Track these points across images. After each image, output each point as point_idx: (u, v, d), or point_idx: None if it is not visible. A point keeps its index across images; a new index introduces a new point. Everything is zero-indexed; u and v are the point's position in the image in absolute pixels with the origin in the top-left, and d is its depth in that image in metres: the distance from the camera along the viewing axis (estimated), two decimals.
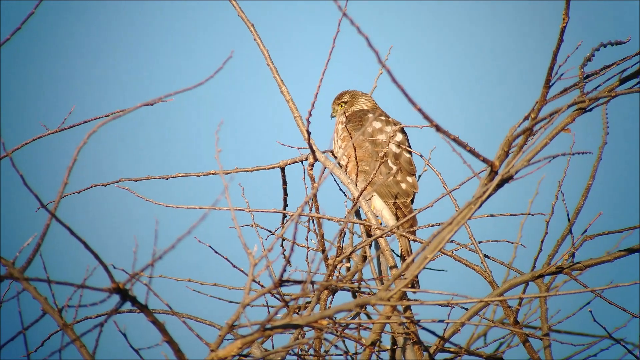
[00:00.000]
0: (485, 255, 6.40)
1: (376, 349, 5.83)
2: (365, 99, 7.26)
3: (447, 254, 6.33)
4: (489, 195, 4.53)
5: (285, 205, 6.77)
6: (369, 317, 6.70)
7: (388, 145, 6.89)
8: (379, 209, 6.94)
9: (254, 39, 6.75)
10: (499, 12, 11.53)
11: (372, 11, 11.39)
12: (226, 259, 6.39)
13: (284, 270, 4.49)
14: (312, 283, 4.53)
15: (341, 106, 7.26)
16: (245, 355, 5.56)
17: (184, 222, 6.10)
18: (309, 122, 6.02)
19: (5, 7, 7.69)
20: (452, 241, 6.34)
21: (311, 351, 5.84)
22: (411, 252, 6.77)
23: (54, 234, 4.59)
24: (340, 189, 6.84)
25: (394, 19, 11.64)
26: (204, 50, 11.28)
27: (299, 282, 4.52)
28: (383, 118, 7.11)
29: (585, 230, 5.95)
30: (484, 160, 4.56)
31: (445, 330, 6.12)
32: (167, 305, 5.11)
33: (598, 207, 5.97)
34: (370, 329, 5.76)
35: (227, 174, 6.63)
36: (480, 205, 4.56)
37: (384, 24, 11.48)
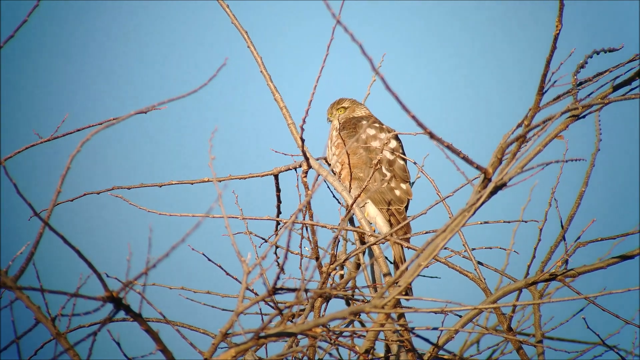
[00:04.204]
0: (479, 262, 6.40)
1: (370, 356, 5.83)
2: (364, 108, 7.28)
3: (440, 261, 6.33)
4: (483, 203, 4.53)
5: (279, 212, 6.76)
6: (362, 324, 6.70)
7: (382, 152, 6.89)
8: (373, 216, 6.94)
9: (248, 46, 6.75)
10: (492, 19, 11.54)
11: (366, 16, 11.40)
12: (219, 266, 6.38)
13: (278, 278, 4.48)
14: (306, 291, 4.52)
15: (340, 111, 7.25)
16: None
17: (178, 230, 6.11)
18: (302, 130, 6.02)
19: (4, 7, 7.68)
20: (445, 248, 6.34)
21: (305, 359, 5.84)
22: (405, 260, 6.76)
23: (47, 243, 4.58)
24: (334, 196, 6.84)
25: (387, 25, 11.65)
26: (197, 57, 11.27)
27: (293, 290, 4.52)
28: (377, 125, 7.11)
29: (579, 237, 5.95)
30: (478, 168, 4.56)
31: (439, 337, 6.12)
32: (161, 314, 5.10)
33: (591, 214, 5.98)
34: (364, 336, 5.76)
35: (220, 181, 6.63)
36: (473, 213, 4.56)
37: (377, 30, 11.48)
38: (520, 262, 6.71)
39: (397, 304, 5.56)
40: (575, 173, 6.00)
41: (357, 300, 6.15)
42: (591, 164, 5.83)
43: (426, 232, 6.56)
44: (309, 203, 6.19)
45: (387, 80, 4.25)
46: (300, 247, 6.25)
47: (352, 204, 6.27)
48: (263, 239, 6.56)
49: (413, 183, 7.04)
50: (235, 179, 6.67)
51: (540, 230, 6.22)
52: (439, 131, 4.44)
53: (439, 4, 11.57)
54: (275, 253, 6.64)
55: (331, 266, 5.99)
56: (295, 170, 6.66)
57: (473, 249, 6.44)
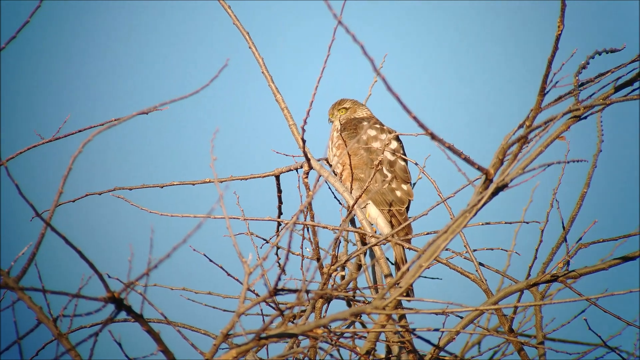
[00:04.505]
0: (480, 264, 6.40)
1: (371, 357, 5.82)
2: (365, 109, 7.28)
3: (442, 262, 6.32)
4: (484, 204, 4.53)
5: (280, 213, 6.76)
6: (363, 325, 6.70)
7: (383, 153, 6.89)
8: (374, 217, 6.94)
9: (249, 47, 6.75)
10: (494, 20, 11.54)
11: (368, 16, 11.40)
12: (221, 267, 6.38)
13: (279, 278, 4.48)
14: (307, 292, 4.52)
15: (342, 112, 7.24)
16: None
17: (179, 231, 6.10)
18: (303, 131, 6.02)
19: (4, 7, 7.68)
20: (447, 249, 6.34)
21: None
22: (406, 261, 6.76)
23: (49, 243, 4.58)
24: (335, 197, 6.84)
25: (389, 26, 11.65)
26: (199, 58, 11.28)
27: (294, 291, 4.52)
28: (378, 126, 7.11)
29: (580, 238, 5.95)
30: (479, 168, 4.56)
31: (440, 338, 6.12)
32: (162, 315, 5.10)
33: (593, 215, 5.98)
34: (365, 337, 5.76)
35: (222, 182, 6.63)
36: (475, 214, 4.55)
37: (379, 31, 11.49)
38: (522, 263, 6.71)
39: (398, 305, 5.56)
40: (577, 174, 5.99)
41: (358, 301, 6.15)
42: (593, 165, 5.83)
43: (427, 233, 6.56)
44: (310, 204, 6.19)
45: (388, 81, 4.25)
46: (302, 248, 6.25)
47: (353, 205, 6.27)
48: (264, 239, 6.56)
49: (414, 184, 7.04)
50: (237, 179, 6.67)
51: (542, 231, 6.22)
52: (440, 132, 4.44)
53: (440, 4, 11.58)
54: (277, 254, 6.64)
55: (332, 267, 5.99)
56: (297, 171, 6.66)
57: (474, 250, 6.44)
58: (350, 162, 6.91)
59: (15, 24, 4.96)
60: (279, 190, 6.76)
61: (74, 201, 6.50)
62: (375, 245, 6.24)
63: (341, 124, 7.16)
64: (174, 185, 6.60)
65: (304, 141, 6.23)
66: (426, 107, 10.44)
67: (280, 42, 11.38)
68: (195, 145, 10.12)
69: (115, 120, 4.72)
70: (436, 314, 4.70)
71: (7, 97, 9.78)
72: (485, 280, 6.28)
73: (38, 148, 5.62)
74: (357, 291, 6.44)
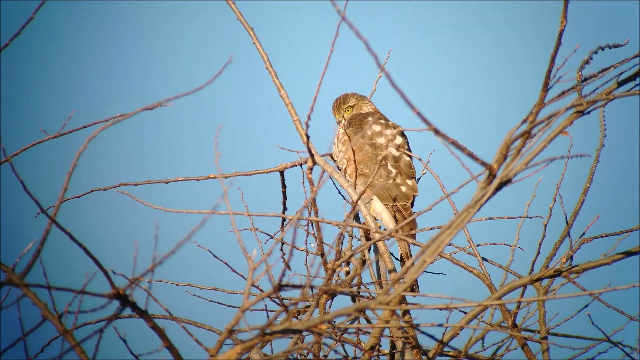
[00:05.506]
0: (484, 259, 6.41)
1: (375, 353, 5.83)
2: (370, 104, 7.27)
3: (445, 258, 6.33)
4: (488, 199, 4.53)
5: (285, 209, 6.77)
6: (368, 321, 6.70)
7: (387, 148, 6.89)
8: (378, 212, 6.94)
9: (253, 43, 6.75)
10: (497, 15, 11.54)
11: (371, 12, 11.40)
12: (225, 263, 6.39)
13: (283, 274, 4.49)
14: (312, 287, 4.53)
15: (348, 111, 7.23)
16: None
17: (184, 227, 6.11)
18: (307, 126, 6.02)
19: (4, 7, 7.69)
20: (450, 244, 6.35)
21: (310, 356, 5.85)
22: (410, 256, 6.77)
23: (53, 240, 4.59)
24: (340, 193, 6.85)
25: (393, 22, 11.65)
26: (203, 54, 11.28)
27: (298, 287, 4.52)
28: (383, 121, 7.11)
29: (583, 233, 5.96)
30: (483, 164, 4.56)
31: (444, 334, 6.13)
32: (167, 311, 5.11)
33: (596, 209, 5.99)
34: (370, 333, 5.76)
35: (226, 177, 6.64)
36: (478, 209, 4.56)
37: (382, 27, 11.49)
38: (525, 258, 6.71)
39: (403, 300, 5.56)
40: (580, 169, 6.00)
41: (363, 296, 6.16)
42: (595, 160, 5.84)
43: (431, 229, 6.57)
44: (314, 199, 6.20)
45: (392, 76, 4.26)
46: (306, 244, 6.25)
47: (357, 200, 6.27)
48: (269, 235, 6.57)
49: (419, 179, 7.04)
50: (241, 175, 6.68)
51: (545, 226, 6.22)
52: (444, 127, 4.45)
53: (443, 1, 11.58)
54: (281, 249, 6.65)
55: (336, 263, 6.00)
56: (301, 166, 6.66)
57: (478, 245, 6.45)
58: (354, 158, 6.91)
59: (18, 20, 4.97)
60: (284, 186, 6.77)
61: (78, 197, 6.52)
62: (380, 240, 6.24)
63: (346, 120, 7.15)
64: (178, 181, 6.61)
65: (307, 137, 6.23)
66: (430, 102, 10.44)
67: (285, 38, 11.38)
68: (200, 141, 10.12)
69: (119, 116, 4.73)
70: (440, 309, 4.71)
71: (11, 93, 9.79)
72: (489, 276, 6.29)
73: (43, 144, 5.63)
74: (362, 287, 6.45)
